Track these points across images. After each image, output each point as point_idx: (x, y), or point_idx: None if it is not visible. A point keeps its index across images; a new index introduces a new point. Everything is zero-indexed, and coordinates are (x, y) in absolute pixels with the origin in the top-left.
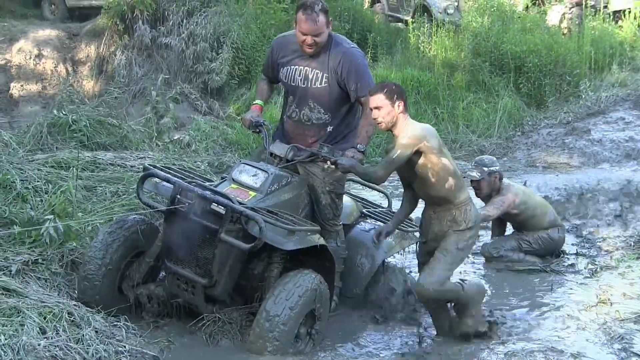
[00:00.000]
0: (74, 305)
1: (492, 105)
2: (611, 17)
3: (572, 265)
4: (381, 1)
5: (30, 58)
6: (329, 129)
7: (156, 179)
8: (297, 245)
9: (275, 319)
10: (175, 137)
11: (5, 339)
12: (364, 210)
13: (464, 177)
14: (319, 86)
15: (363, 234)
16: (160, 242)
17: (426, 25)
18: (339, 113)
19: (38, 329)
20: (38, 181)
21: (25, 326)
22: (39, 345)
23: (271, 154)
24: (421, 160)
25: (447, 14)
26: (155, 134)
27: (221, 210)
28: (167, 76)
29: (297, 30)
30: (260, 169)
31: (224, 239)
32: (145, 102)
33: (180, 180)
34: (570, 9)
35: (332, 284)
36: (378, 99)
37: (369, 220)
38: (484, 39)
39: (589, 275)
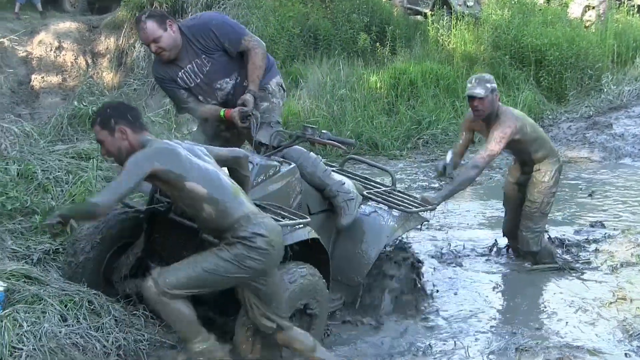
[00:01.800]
0: (94, 294)
1: (512, 99)
2: (636, 9)
3: (590, 262)
4: None
5: (50, 50)
6: (244, 83)
7: None
8: (286, 241)
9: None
10: (193, 129)
11: (28, 326)
12: (365, 192)
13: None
14: (208, 69)
15: (364, 218)
16: (143, 240)
17: (445, 18)
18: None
19: (59, 316)
20: (59, 172)
21: (47, 314)
22: (60, 332)
23: (259, 142)
24: None
25: (467, 6)
26: (174, 126)
27: None
28: None
29: None
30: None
31: (205, 239)
32: (164, 94)
33: None
34: (600, 2)
35: (328, 277)
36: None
37: (370, 203)
38: (504, 32)
39: (608, 272)
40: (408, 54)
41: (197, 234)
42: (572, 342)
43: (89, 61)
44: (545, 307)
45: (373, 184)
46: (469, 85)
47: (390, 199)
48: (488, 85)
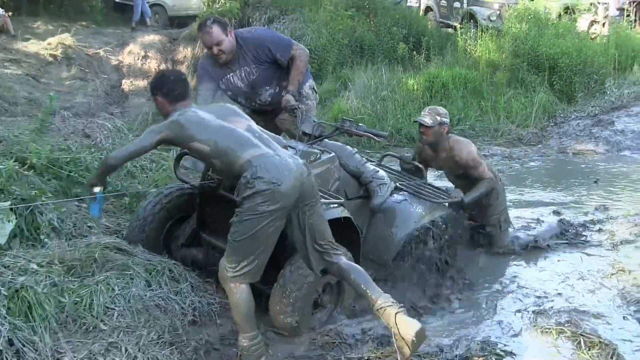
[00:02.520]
0: (174, 263)
1: (529, 100)
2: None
3: (587, 240)
4: (434, 9)
5: (138, 59)
6: (282, 93)
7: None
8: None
9: (289, 287)
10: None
11: (119, 290)
12: (398, 184)
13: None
14: (254, 77)
15: (395, 205)
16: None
17: (472, 30)
18: (279, 79)
19: (145, 282)
20: (144, 161)
21: (135, 280)
22: (145, 295)
23: (303, 132)
24: None
25: (491, 20)
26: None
27: None
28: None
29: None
30: (289, 146)
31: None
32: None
33: None
34: (604, 18)
35: (359, 254)
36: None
37: (402, 193)
38: (522, 42)
39: (609, 248)
40: (440, 61)
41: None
42: (578, 307)
43: (170, 68)
44: (555, 277)
45: (405, 177)
46: (422, 112)
47: (419, 190)
48: (437, 117)
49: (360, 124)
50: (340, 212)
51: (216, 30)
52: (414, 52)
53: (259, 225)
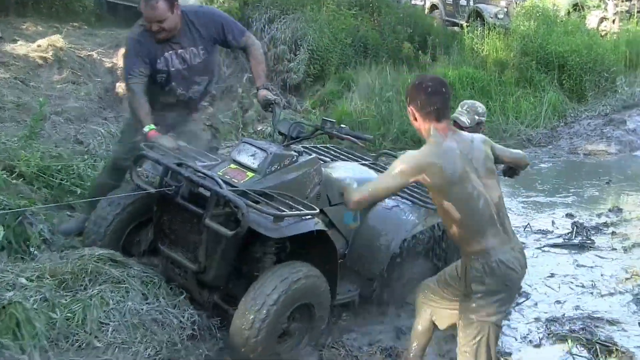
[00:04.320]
0: None
1: (539, 99)
2: None
3: (605, 242)
4: (439, 7)
5: None
6: (211, 91)
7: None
8: (286, 233)
9: (252, 315)
10: (258, 129)
11: (114, 304)
12: None
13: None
14: (199, 61)
15: (385, 211)
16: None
17: (479, 28)
18: (213, 75)
19: (141, 295)
20: None
21: (130, 293)
22: (142, 309)
23: (279, 132)
24: None
25: (498, 18)
26: (241, 126)
27: (208, 193)
28: (251, 75)
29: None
30: (260, 148)
31: (208, 224)
32: (232, 97)
33: (169, 162)
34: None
35: (335, 272)
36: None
37: (394, 198)
38: (530, 40)
39: (623, 252)
40: (447, 60)
41: (200, 219)
42: (592, 313)
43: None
44: (567, 283)
45: None
46: (459, 108)
47: (414, 194)
48: (476, 117)
49: (342, 126)
50: (314, 225)
51: (162, 5)
52: (420, 52)
53: None
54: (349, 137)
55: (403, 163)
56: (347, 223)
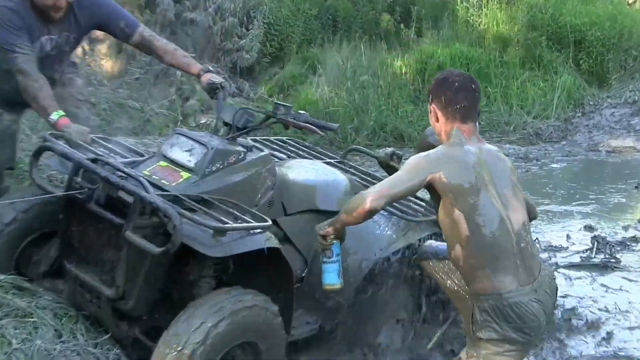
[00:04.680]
0: None
1: (550, 84)
2: None
3: (633, 261)
4: None
5: None
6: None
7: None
8: (228, 250)
9: (173, 356)
10: (202, 121)
11: (18, 343)
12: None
13: None
14: (67, 49)
15: (355, 226)
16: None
17: None
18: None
19: (53, 331)
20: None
21: (40, 329)
22: (54, 349)
23: (223, 122)
24: None
25: None
26: (181, 118)
27: (130, 198)
28: (192, 55)
29: None
30: (198, 141)
31: (129, 237)
32: (169, 83)
33: (81, 157)
34: None
35: (291, 301)
36: None
37: None
38: (540, 11)
39: None
40: (435, 36)
41: (120, 231)
42: (618, 351)
43: (86, 47)
44: (588, 310)
45: (375, 181)
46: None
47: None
48: None
49: (301, 112)
50: (264, 241)
51: None
52: (402, 26)
53: None
54: (308, 125)
55: (419, 157)
56: (331, 283)
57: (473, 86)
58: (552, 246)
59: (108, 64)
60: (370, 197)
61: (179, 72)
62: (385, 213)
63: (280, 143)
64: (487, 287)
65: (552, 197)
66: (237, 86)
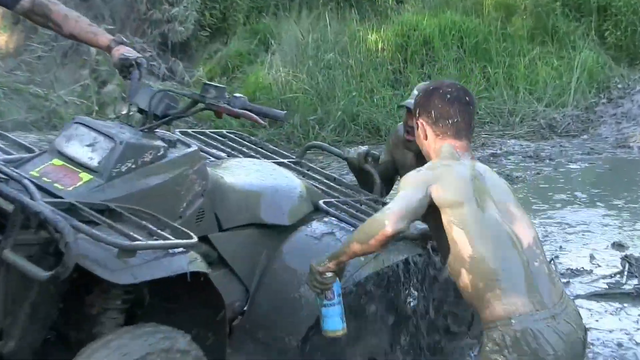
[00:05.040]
0: None
1: (566, 62)
2: None
3: None
4: None
5: None
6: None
7: None
8: (139, 276)
9: None
10: (123, 112)
11: None
12: (322, 202)
13: None
14: None
15: (310, 242)
16: None
17: None
18: None
19: None
20: None
21: None
22: None
23: (138, 108)
24: None
25: None
26: (96, 108)
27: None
28: (111, 27)
29: None
30: (103, 133)
31: (8, 259)
32: (80, 63)
33: None
34: None
35: (223, 341)
36: None
37: (328, 219)
38: None
39: None
40: (420, 2)
41: None
42: None
43: None
44: (618, 346)
45: (342, 188)
46: (415, 91)
47: (362, 215)
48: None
49: (237, 95)
50: (187, 264)
51: None
52: None
53: None
54: (245, 113)
55: (411, 174)
56: (334, 329)
57: (467, 98)
58: (571, 270)
59: (2, 39)
60: (391, 219)
61: (93, 49)
62: (351, 229)
63: (218, 137)
64: (498, 311)
65: (570, 207)
66: (168, 66)
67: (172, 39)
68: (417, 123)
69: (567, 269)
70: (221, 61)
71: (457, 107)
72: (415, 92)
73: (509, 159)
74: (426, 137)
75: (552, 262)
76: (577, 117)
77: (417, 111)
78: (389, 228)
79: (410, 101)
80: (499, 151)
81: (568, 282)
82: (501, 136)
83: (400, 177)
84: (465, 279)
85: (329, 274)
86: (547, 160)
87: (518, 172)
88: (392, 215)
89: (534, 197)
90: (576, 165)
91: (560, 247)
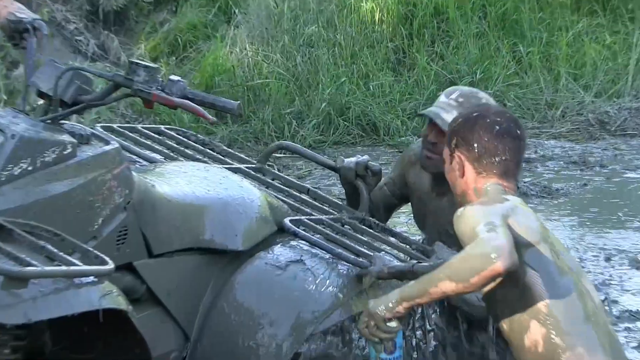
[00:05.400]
0: None
1: (622, 39)
2: None
3: None
4: None
5: None
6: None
7: None
8: (32, 315)
9: None
10: (40, 102)
11: None
12: (288, 221)
13: None
14: None
15: (271, 274)
16: None
17: None
18: None
19: None
20: None
21: None
22: None
23: (39, 92)
24: None
25: None
26: (4, 96)
27: None
28: None
29: None
30: None
31: None
32: None
33: None
34: None
35: None
36: None
37: (296, 243)
38: None
39: None
40: None
41: None
42: None
43: None
44: None
45: (317, 202)
46: (441, 98)
47: (342, 238)
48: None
49: (174, 78)
50: (98, 298)
51: None
52: None
53: None
54: (184, 102)
55: (480, 204)
56: None
57: (518, 132)
58: (630, 312)
59: None
60: (501, 251)
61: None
62: (327, 256)
63: (152, 135)
64: None
65: (627, 227)
66: (99, 42)
67: (105, 6)
68: (452, 156)
69: (626, 311)
70: (169, 36)
71: (507, 142)
72: (443, 97)
73: (547, 166)
74: (463, 175)
75: (606, 302)
76: (636, 111)
77: (454, 141)
78: (501, 264)
79: (434, 110)
80: (533, 155)
81: (627, 329)
82: (537, 135)
83: (412, 203)
84: (535, 334)
85: (395, 321)
86: (597, 168)
87: (559, 183)
88: (501, 246)
89: (580, 216)
90: (636, 174)
91: (615, 283)
